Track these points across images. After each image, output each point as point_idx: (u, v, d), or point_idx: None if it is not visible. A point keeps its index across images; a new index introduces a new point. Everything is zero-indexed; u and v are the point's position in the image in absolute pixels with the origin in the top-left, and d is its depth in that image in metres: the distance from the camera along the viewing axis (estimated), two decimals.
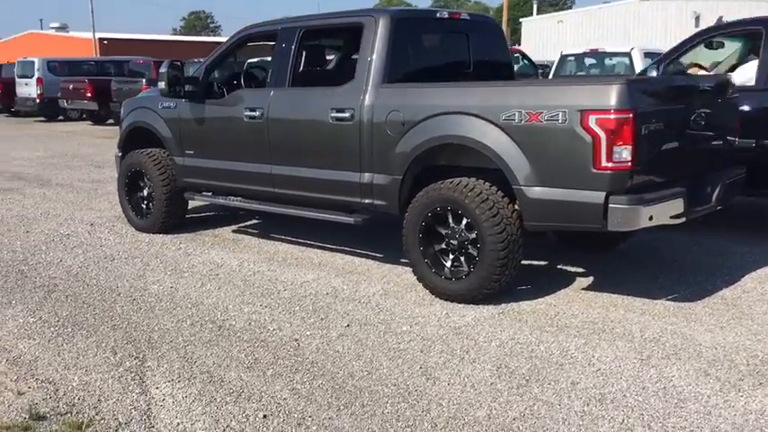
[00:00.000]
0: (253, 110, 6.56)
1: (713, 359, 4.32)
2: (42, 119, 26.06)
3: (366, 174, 5.89)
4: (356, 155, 5.91)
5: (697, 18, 44.95)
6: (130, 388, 4.05)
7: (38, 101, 25.07)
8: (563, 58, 14.82)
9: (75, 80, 23.63)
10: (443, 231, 5.49)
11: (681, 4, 46.38)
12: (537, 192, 5.01)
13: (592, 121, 4.69)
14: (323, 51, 6.92)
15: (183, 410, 3.79)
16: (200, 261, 6.65)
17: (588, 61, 14.79)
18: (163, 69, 6.86)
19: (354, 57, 6.36)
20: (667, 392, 3.90)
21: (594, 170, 4.73)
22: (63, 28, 66.01)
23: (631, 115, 4.63)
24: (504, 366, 4.27)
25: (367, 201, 5.95)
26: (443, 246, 5.52)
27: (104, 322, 5.09)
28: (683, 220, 5.12)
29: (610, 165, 4.69)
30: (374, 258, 6.61)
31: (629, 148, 4.66)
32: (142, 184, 7.77)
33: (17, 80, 25.96)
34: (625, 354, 4.42)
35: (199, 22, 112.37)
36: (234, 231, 7.85)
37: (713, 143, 5.61)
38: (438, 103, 5.47)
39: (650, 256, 6.61)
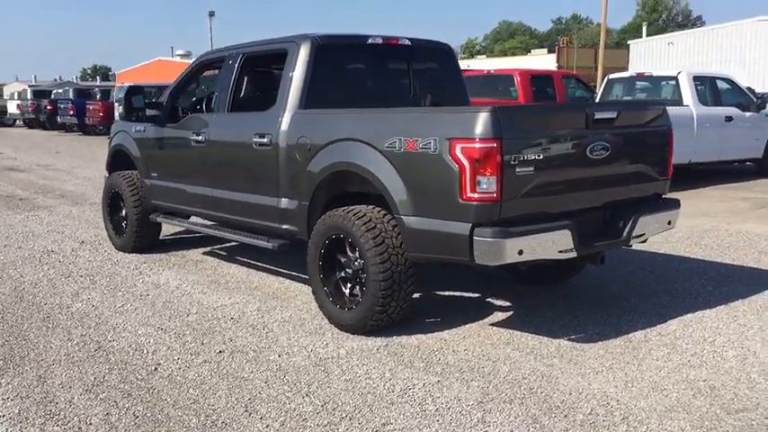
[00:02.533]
0: (198, 134, 6.69)
1: (557, 406, 4.02)
2: None
3: (283, 199, 5.87)
4: (275, 180, 5.90)
5: None
6: None
7: None
8: (610, 81, 14.25)
9: None
10: (343, 259, 5.39)
11: None
12: (413, 221, 4.84)
13: (458, 150, 4.50)
14: (260, 77, 6.96)
15: None
16: (145, 281, 6.80)
17: (636, 85, 14.14)
18: (121, 95, 7.10)
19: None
20: None
21: (461, 201, 4.52)
22: (186, 55, 69.71)
23: (495, 145, 4.40)
24: (333, 402, 4.12)
25: (284, 226, 5.93)
26: (343, 274, 5.41)
27: (0, 339, 5.28)
28: (574, 255, 4.81)
29: (475, 195, 4.47)
30: None
31: (494, 178, 4.43)
32: (121, 205, 8.05)
33: (115, 104, 27.50)
34: (469, 395, 4.17)
35: None
36: (204, 253, 7.98)
37: (625, 176, 5.24)
38: (336, 130, 5.39)
39: (598, 291, 6.25)
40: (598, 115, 4.91)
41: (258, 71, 6.95)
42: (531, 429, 3.76)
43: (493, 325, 5.42)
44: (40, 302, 6.17)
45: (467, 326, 5.39)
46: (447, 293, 6.25)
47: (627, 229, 5.13)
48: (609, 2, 39.06)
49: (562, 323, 5.41)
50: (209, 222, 7.31)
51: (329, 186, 5.57)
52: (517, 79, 14.53)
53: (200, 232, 7.47)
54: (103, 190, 8.37)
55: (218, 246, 8.26)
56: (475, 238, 4.49)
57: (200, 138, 6.64)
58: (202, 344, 5.12)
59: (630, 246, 5.30)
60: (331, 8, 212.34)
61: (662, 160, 5.51)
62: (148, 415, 4.01)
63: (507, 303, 5.94)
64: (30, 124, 39.01)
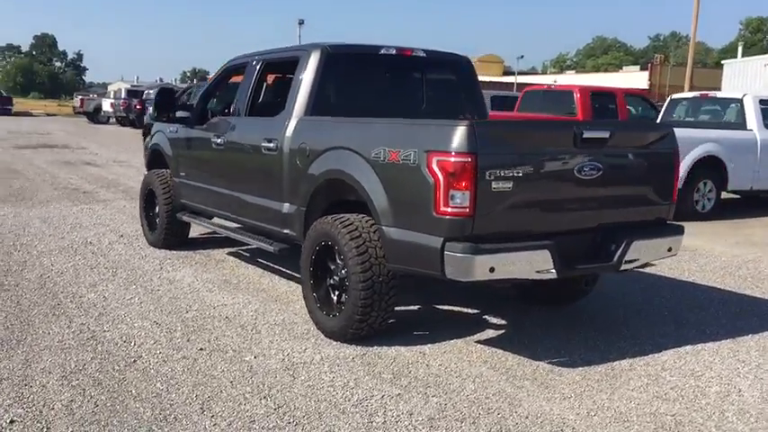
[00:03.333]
0: (218, 137, 6.87)
1: (508, 429, 3.95)
2: None
3: (285, 204, 5.97)
4: (279, 184, 6.01)
5: None
6: None
7: None
8: (672, 102, 13.81)
9: None
10: (332, 266, 5.43)
11: None
12: (392, 232, 4.85)
13: (434, 162, 4.49)
14: (276, 83, 7.07)
15: None
16: (162, 277, 7.01)
17: (700, 107, 13.63)
18: (152, 96, 7.37)
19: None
20: None
21: (435, 214, 4.50)
22: None
23: (470, 159, 4.37)
24: (287, 406, 4.17)
25: (285, 231, 6.02)
26: (332, 281, 5.46)
27: (4, 325, 5.53)
28: (554, 276, 4.71)
29: (448, 210, 4.45)
30: None
31: (468, 193, 4.39)
32: (156, 202, 8.32)
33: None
34: (423, 411, 4.14)
35: None
36: (228, 253, 8.16)
37: (621, 198, 5.09)
38: (332, 138, 5.46)
39: (603, 316, 6.09)
40: (588, 134, 4.78)
41: (275, 77, 7.09)
42: None
43: (479, 342, 5.36)
44: (57, 291, 6.44)
45: (452, 341, 5.34)
46: (446, 308, 6.22)
47: (618, 254, 4.98)
48: (713, 22, 37.93)
49: (550, 345, 5.30)
50: (229, 224, 7.46)
51: (326, 193, 5.63)
52: (576, 96, 14.27)
53: (218, 232, 7.66)
54: (140, 187, 8.68)
55: (245, 247, 8.41)
56: (446, 252, 4.47)
57: (220, 140, 6.82)
58: (188, 340, 5.25)
59: (624, 271, 5.15)
60: (419, 19, 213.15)
61: (665, 184, 5.32)
62: (108, 404, 4.15)
63: (503, 322, 5.86)
64: (121, 122, 40.55)
